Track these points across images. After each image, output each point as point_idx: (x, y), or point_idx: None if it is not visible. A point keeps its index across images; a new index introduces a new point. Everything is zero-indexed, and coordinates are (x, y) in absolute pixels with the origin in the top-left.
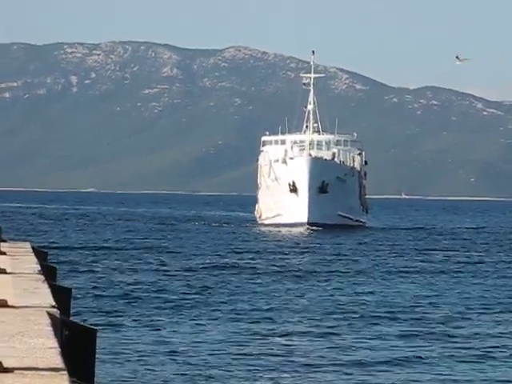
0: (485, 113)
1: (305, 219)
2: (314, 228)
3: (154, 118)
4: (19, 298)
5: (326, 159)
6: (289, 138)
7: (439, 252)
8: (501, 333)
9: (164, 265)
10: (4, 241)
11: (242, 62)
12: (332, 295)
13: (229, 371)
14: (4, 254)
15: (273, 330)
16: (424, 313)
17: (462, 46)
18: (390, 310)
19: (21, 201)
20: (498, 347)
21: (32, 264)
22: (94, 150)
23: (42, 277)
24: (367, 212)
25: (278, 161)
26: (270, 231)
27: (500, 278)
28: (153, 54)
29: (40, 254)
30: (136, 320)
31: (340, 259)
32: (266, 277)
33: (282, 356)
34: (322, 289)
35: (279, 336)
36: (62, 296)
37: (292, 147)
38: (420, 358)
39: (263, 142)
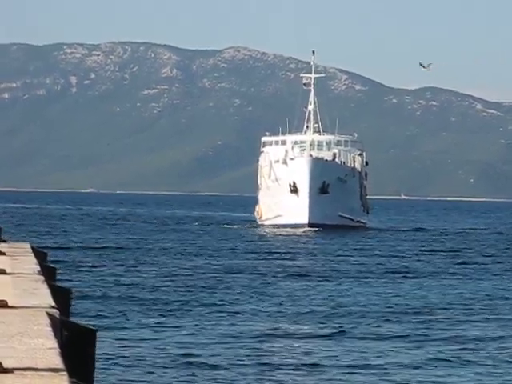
0: (484, 114)
1: (305, 220)
2: (314, 229)
3: (153, 118)
4: (19, 298)
5: (326, 160)
6: (289, 138)
7: (444, 253)
8: (506, 335)
9: (164, 265)
10: (4, 241)
11: (241, 63)
12: (335, 296)
13: (232, 372)
14: (3, 254)
15: (276, 330)
16: (429, 314)
17: (461, 46)
18: (394, 311)
19: (20, 201)
20: (503, 350)
21: (32, 264)
22: (94, 150)
23: (42, 277)
24: (368, 213)
25: (278, 161)
26: (270, 232)
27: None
28: (152, 55)
29: (39, 254)
30: (137, 321)
31: (341, 260)
32: (268, 277)
33: (286, 357)
34: (324, 289)
35: (282, 337)
36: (61, 296)
37: (292, 148)
38: (424, 360)
39: (263, 142)
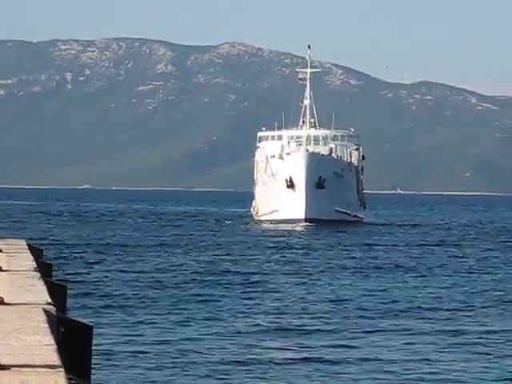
0: (479, 107)
1: (302, 215)
2: (311, 224)
3: (148, 114)
4: (15, 295)
5: (323, 154)
6: (285, 133)
7: (443, 247)
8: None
9: (161, 261)
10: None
11: (236, 58)
12: (334, 291)
13: (230, 369)
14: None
15: (276, 326)
16: (429, 309)
17: (456, 41)
18: (393, 305)
19: (15, 198)
20: (502, 343)
21: (28, 261)
22: (89, 146)
23: (38, 274)
24: (365, 207)
25: (274, 156)
26: (267, 227)
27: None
28: (147, 51)
29: (35, 251)
30: (134, 317)
31: (339, 255)
32: (266, 273)
33: (287, 353)
34: (323, 285)
35: (282, 331)
36: (57, 293)
37: (289, 142)
38: (424, 354)
39: (259, 137)
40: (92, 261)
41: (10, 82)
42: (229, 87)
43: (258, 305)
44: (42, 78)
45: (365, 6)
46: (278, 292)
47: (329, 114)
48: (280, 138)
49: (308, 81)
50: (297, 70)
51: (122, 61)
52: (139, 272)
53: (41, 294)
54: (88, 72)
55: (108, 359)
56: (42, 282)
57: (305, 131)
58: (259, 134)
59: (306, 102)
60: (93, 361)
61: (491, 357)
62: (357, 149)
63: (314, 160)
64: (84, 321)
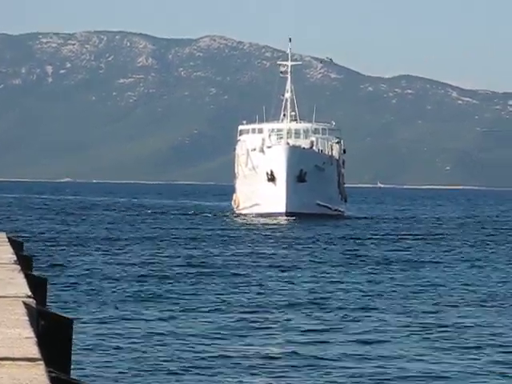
0: (460, 102)
1: (283, 208)
2: (292, 217)
3: (129, 107)
4: None
5: (304, 148)
6: (266, 126)
7: (427, 241)
8: (495, 324)
9: (143, 255)
10: None
11: (217, 52)
12: (318, 286)
13: (217, 364)
14: None
15: (261, 321)
16: (416, 303)
17: (436, 35)
18: (378, 300)
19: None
20: (493, 338)
21: (8, 254)
22: (69, 139)
23: (18, 267)
24: (346, 201)
25: (255, 150)
26: (247, 221)
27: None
28: (128, 44)
29: (16, 243)
30: (116, 311)
31: (320, 249)
32: (249, 267)
33: (274, 349)
34: (306, 279)
35: (268, 328)
36: (38, 286)
37: (269, 136)
38: (413, 350)
39: (240, 130)
40: (73, 254)
41: None
42: (209, 81)
43: (239, 299)
44: (23, 71)
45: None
46: (256, 286)
47: (310, 107)
48: (261, 131)
49: (289, 74)
50: (278, 62)
51: (102, 54)
52: (120, 264)
53: (21, 286)
54: (69, 65)
55: (87, 353)
56: (22, 275)
57: (286, 124)
58: (240, 127)
59: (287, 95)
60: (72, 355)
61: (475, 351)
62: (338, 142)
63: (294, 153)
64: (64, 314)
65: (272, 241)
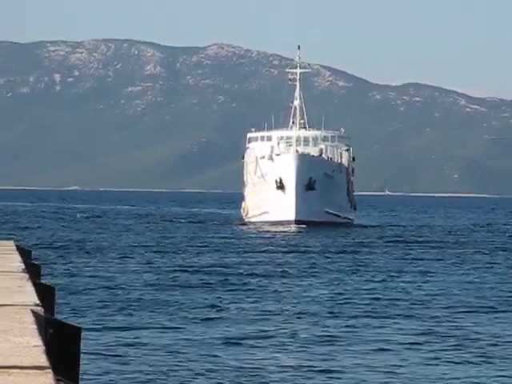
0: (468, 109)
1: (292, 217)
2: (301, 225)
3: (137, 115)
4: (3, 296)
5: (313, 155)
6: (275, 134)
7: (435, 249)
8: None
9: (150, 263)
10: None
11: (225, 60)
12: (327, 293)
13: (222, 375)
14: None
15: (269, 330)
16: (423, 310)
17: (444, 42)
18: (387, 307)
19: (5, 199)
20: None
21: (16, 262)
22: (77, 147)
23: (26, 275)
24: (355, 209)
25: (264, 157)
26: (257, 229)
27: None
28: (136, 52)
29: (24, 252)
30: (125, 319)
31: (330, 257)
32: (258, 276)
33: (280, 357)
34: (316, 287)
35: (275, 336)
36: (46, 294)
37: (278, 143)
38: (422, 357)
39: (249, 138)
40: (82, 262)
41: None
42: (217, 88)
43: (251, 306)
44: (31, 80)
45: (352, 7)
46: (267, 293)
47: (317, 115)
48: (270, 138)
49: (298, 81)
50: (287, 70)
51: (110, 62)
52: (129, 272)
53: (29, 295)
54: (77, 73)
55: (96, 362)
56: (30, 284)
57: (295, 132)
58: (249, 134)
59: (296, 102)
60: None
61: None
62: (347, 150)
63: (304, 161)
64: (72, 323)
65: (285, 249)
